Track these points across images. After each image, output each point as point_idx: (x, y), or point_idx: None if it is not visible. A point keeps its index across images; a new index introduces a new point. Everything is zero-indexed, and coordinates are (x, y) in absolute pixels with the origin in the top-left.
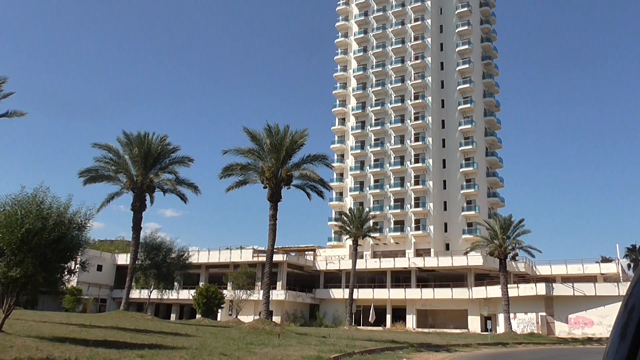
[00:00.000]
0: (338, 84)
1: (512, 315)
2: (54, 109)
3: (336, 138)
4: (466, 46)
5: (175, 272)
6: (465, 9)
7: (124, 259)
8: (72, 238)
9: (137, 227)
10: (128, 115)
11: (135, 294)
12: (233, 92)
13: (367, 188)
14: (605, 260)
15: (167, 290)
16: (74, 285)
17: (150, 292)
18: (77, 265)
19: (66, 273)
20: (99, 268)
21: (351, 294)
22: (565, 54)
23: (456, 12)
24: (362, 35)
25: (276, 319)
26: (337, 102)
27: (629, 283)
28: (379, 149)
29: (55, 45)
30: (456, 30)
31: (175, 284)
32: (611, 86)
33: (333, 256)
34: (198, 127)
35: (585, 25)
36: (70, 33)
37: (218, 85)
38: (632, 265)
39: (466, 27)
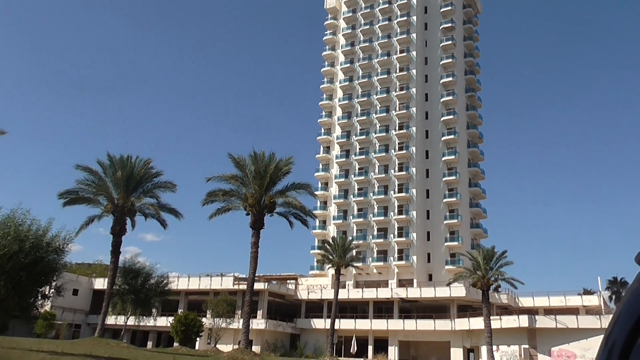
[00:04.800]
0: (324, 113)
1: (495, 347)
2: (39, 127)
3: (320, 166)
4: (450, 78)
5: (153, 298)
6: (450, 42)
7: (101, 283)
8: (49, 262)
9: (116, 251)
10: (111, 139)
11: (111, 320)
12: (218, 116)
13: (351, 217)
14: (587, 292)
15: (145, 317)
16: (48, 310)
17: (127, 318)
18: (52, 290)
19: (40, 297)
20: (75, 292)
21: (333, 324)
22: (547, 88)
23: (441, 45)
24: (348, 65)
25: (256, 348)
26: (322, 130)
27: (610, 316)
28: (363, 177)
29: (38, 66)
30: (441, 63)
31: (153, 310)
32: (593, 120)
33: (315, 285)
34: (182, 151)
35: (569, 56)
36: (52, 53)
37: (204, 109)
38: (613, 297)
39: (450, 60)
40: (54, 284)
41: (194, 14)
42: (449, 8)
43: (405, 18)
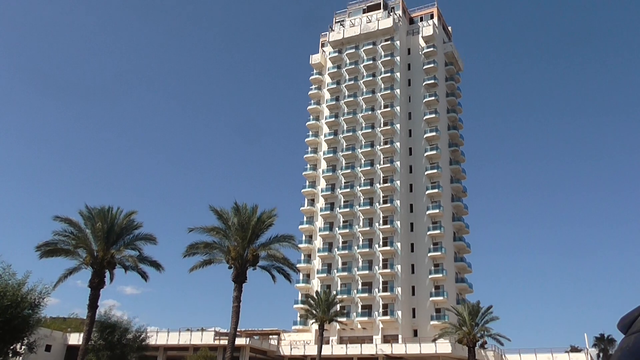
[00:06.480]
0: (308, 165)
1: None
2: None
3: (305, 219)
4: (434, 133)
5: (130, 354)
6: (433, 98)
7: (76, 338)
8: (24, 318)
9: (93, 305)
10: (91, 190)
11: None
12: (201, 167)
13: (335, 270)
14: (575, 349)
15: None
16: None
17: None
18: (24, 347)
19: (11, 354)
20: (48, 348)
21: None
22: (530, 140)
23: (424, 101)
24: (333, 119)
25: None
26: (307, 183)
27: None
28: (347, 230)
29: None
30: (424, 118)
31: None
32: (579, 171)
33: (298, 341)
34: (163, 202)
35: (551, 109)
36: (29, 106)
37: (186, 161)
38: (601, 355)
39: (433, 115)
40: (26, 340)
41: (176, 62)
42: (432, 65)
43: (389, 74)
